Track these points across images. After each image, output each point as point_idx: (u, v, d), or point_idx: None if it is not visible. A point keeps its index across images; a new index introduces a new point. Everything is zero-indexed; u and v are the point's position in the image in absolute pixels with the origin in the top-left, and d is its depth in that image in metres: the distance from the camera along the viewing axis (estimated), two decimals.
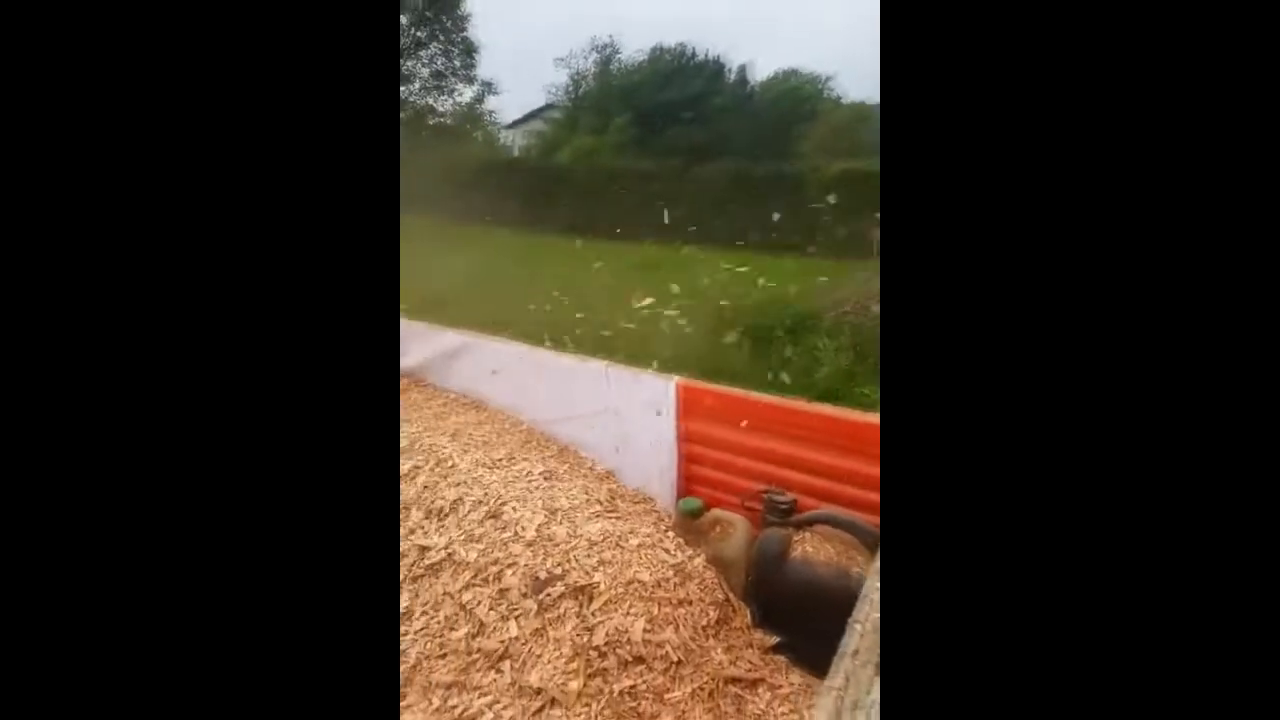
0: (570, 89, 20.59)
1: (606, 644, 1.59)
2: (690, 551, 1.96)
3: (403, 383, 3.81)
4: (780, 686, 1.69)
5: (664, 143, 16.02)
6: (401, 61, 18.10)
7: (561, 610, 1.67)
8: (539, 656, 1.58)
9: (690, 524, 2.12)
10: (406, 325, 3.89)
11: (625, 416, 2.67)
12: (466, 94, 19.53)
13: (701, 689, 1.59)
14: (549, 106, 21.46)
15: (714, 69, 18.58)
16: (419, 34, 18.40)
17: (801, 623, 1.76)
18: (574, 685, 1.51)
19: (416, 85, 18.86)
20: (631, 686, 1.53)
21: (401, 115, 18.15)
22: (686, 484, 2.49)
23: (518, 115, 23.07)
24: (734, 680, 1.66)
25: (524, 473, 2.43)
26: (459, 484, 2.24)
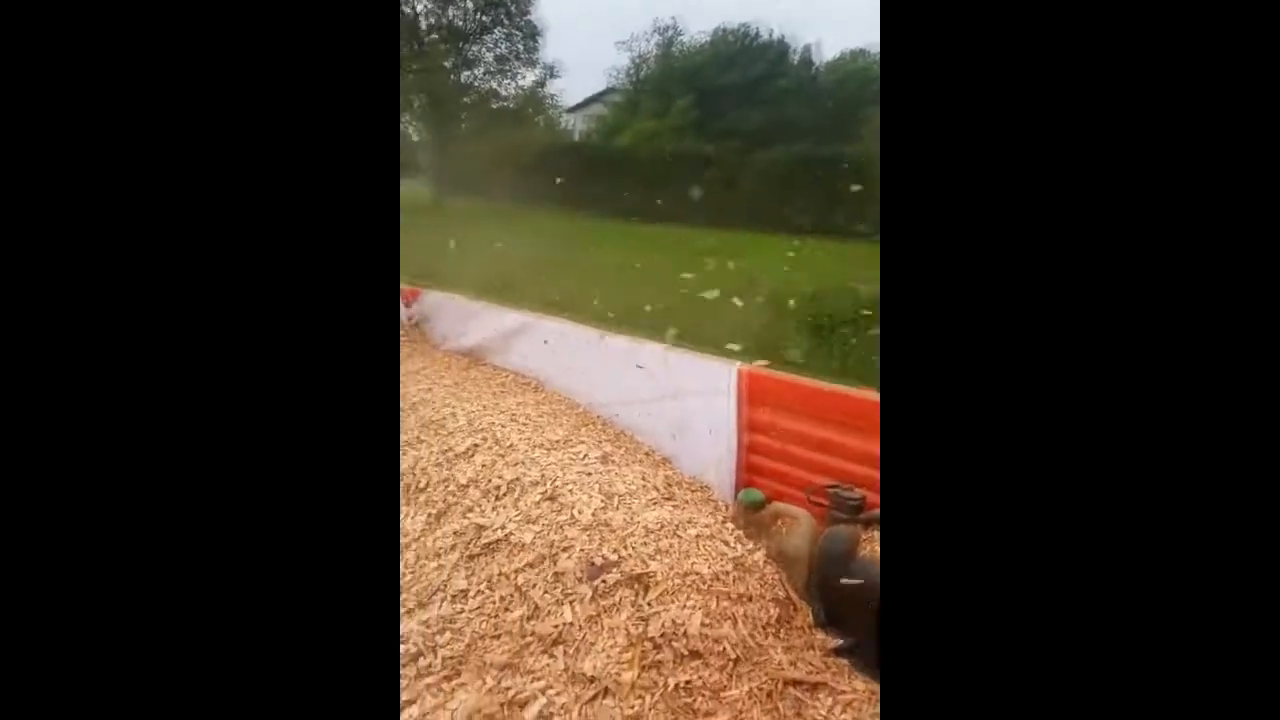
0: (631, 72, 20.42)
1: (662, 636, 1.54)
2: (750, 545, 1.88)
3: (463, 362, 3.86)
4: (843, 692, 1.60)
5: (726, 126, 15.71)
6: (466, 46, 18.33)
7: (617, 598, 1.63)
8: (593, 644, 1.55)
9: (751, 516, 2.04)
10: (466, 305, 3.94)
11: (684, 402, 2.60)
12: (529, 78, 19.64)
13: (760, 689, 1.52)
14: (610, 90, 21.38)
15: (778, 50, 18.05)
16: (484, 18, 18.57)
17: (867, 626, 1.66)
18: (628, 676, 1.47)
19: (480, 70, 19.07)
20: (687, 681, 1.48)
21: (465, 99, 18.43)
22: (746, 474, 2.41)
23: (579, 99, 23.12)
24: (794, 682, 1.58)
25: (581, 455, 2.40)
26: (517, 464, 2.23)
